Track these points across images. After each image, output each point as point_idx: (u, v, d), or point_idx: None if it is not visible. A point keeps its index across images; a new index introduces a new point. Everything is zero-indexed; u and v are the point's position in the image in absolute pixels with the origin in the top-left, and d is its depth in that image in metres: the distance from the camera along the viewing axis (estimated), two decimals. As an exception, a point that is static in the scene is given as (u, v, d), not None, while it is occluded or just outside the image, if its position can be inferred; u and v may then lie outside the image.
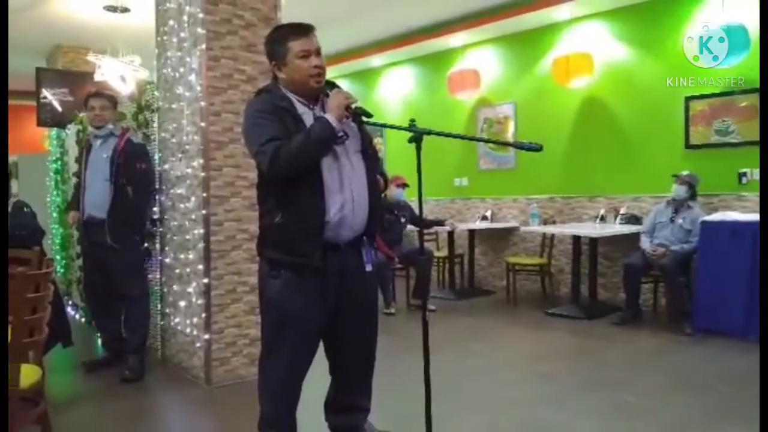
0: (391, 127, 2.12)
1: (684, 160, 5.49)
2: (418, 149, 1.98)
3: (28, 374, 2.22)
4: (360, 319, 2.36)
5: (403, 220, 5.97)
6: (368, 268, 2.32)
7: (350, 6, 6.33)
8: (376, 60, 8.22)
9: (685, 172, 5.16)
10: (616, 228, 5.61)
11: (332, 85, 2.28)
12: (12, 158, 8.10)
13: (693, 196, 5.12)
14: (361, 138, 2.31)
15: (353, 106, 2.11)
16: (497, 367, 4.05)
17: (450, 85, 7.21)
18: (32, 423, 2.38)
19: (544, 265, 6.20)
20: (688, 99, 5.51)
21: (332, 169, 2.15)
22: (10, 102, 10.95)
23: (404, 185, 5.91)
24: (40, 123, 6.74)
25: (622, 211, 5.83)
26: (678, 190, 5.09)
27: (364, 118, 2.14)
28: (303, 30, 2.18)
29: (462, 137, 2.88)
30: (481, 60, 7.20)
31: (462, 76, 7.11)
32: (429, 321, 2.05)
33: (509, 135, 6.92)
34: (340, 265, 2.21)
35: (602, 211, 5.95)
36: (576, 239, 5.60)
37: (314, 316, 2.23)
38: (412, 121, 2.01)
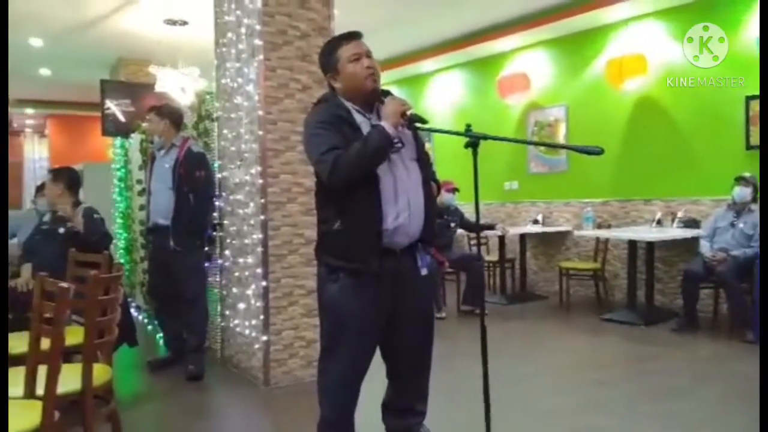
0: (447, 132, 2.14)
1: (745, 162, 5.31)
2: (475, 154, 1.99)
3: (99, 373, 2.33)
4: (416, 322, 2.38)
5: (453, 224, 5.98)
6: (423, 272, 2.33)
7: (400, 12, 6.39)
8: (424, 65, 8.25)
9: (747, 174, 4.98)
10: (674, 232, 5.46)
11: (386, 92, 2.32)
12: (78, 167, 8.50)
13: (755, 198, 4.95)
14: (416, 145, 2.34)
15: (408, 112, 2.13)
16: (552, 373, 4.01)
17: (499, 89, 7.18)
18: (104, 420, 2.50)
19: (598, 270, 6.09)
20: (748, 98, 5.33)
21: (388, 177, 2.18)
22: (78, 113, 11.53)
23: (454, 190, 5.92)
24: (105, 133, 7.05)
25: (679, 214, 5.67)
26: (741, 193, 4.91)
27: (420, 125, 2.17)
28: (350, 36, 2.24)
29: (521, 141, 2.87)
30: (531, 63, 7.14)
31: (512, 80, 7.07)
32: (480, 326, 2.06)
33: (560, 138, 6.84)
34: (395, 269, 2.23)
35: (659, 215, 5.80)
36: (632, 244, 5.48)
37: (371, 319, 2.26)
38: (468, 126, 2.03)
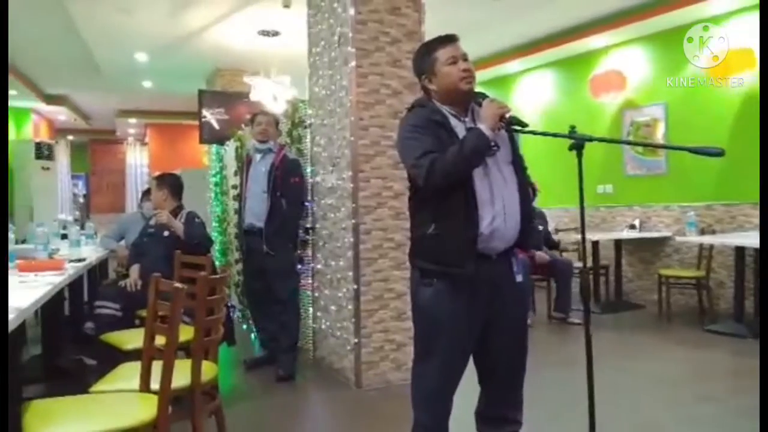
0: (549, 134, 2.07)
1: None
2: (579, 156, 1.92)
3: (207, 370, 2.43)
4: (510, 330, 2.33)
5: (540, 228, 5.79)
6: (519, 278, 2.28)
7: (488, 14, 6.31)
8: (510, 66, 8.12)
9: None
10: (788, 238, 5.06)
11: (483, 95, 2.29)
12: (176, 173, 8.97)
13: None
14: (511, 148, 2.29)
15: (507, 115, 2.10)
16: (653, 386, 3.81)
17: (592, 88, 6.94)
18: (209, 415, 2.60)
19: (701, 278, 5.74)
20: None
21: (483, 181, 2.14)
22: (174, 122, 12.19)
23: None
24: (202, 140, 7.40)
25: (794, 219, 5.25)
26: None
27: (519, 128, 2.12)
28: (448, 38, 2.22)
29: (631, 143, 2.76)
30: (626, 60, 6.84)
31: (606, 78, 6.81)
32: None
33: (659, 138, 6.51)
34: (491, 276, 2.19)
35: (770, 220, 5.39)
36: (739, 250, 5.13)
37: (465, 325, 2.23)
38: (573, 127, 1.96)
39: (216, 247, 6.39)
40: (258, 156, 4.18)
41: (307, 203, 4.32)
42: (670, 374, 4.10)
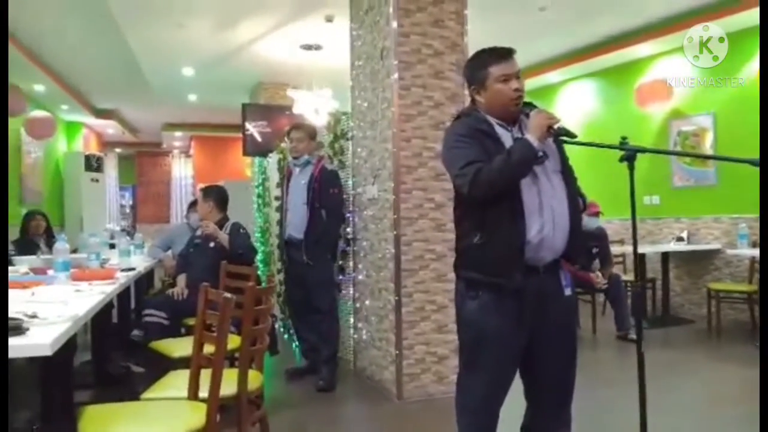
0: (599, 145, 2.04)
1: None
2: (631, 168, 1.89)
3: (252, 379, 2.46)
4: (558, 345, 2.28)
5: (595, 251, 5.61)
6: (567, 292, 2.24)
7: (534, 23, 6.26)
8: (554, 75, 8.04)
9: None
10: None
11: (531, 105, 2.27)
12: (221, 184, 9.13)
13: None
14: (560, 157, 2.26)
15: (555, 126, 2.07)
16: (706, 405, 3.68)
17: (638, 98, 6.81)
18: (253, 423, 2.62)
19: (753, 293, 5.54)
20: None
21: (531, 189, 2.12)
22: (218, 134, 12.44)
23: (598, 213, 5.62)
24: (246, 153, 7.54)
25: None
26: None
27: (567, 138, 2.09)
28: (503, 54, 2.18)
29: (683, 154, 2.68)
30: (673, 69, 6.69)
31: (652, 88, 6.67)
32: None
33: (707, 148, 6.34)
34: (538, 288, 2.16)
35: (828, 233, 5.17)
36: (796, 264, 4.93)
37: (512, 338, 2.19)
38: (624, 138, 1.93)
39: (258, 258, 6.47)
40: (297, 169, 4.24)
41: (348, 214, 4.34)
42: (725, 392, 3.95)
